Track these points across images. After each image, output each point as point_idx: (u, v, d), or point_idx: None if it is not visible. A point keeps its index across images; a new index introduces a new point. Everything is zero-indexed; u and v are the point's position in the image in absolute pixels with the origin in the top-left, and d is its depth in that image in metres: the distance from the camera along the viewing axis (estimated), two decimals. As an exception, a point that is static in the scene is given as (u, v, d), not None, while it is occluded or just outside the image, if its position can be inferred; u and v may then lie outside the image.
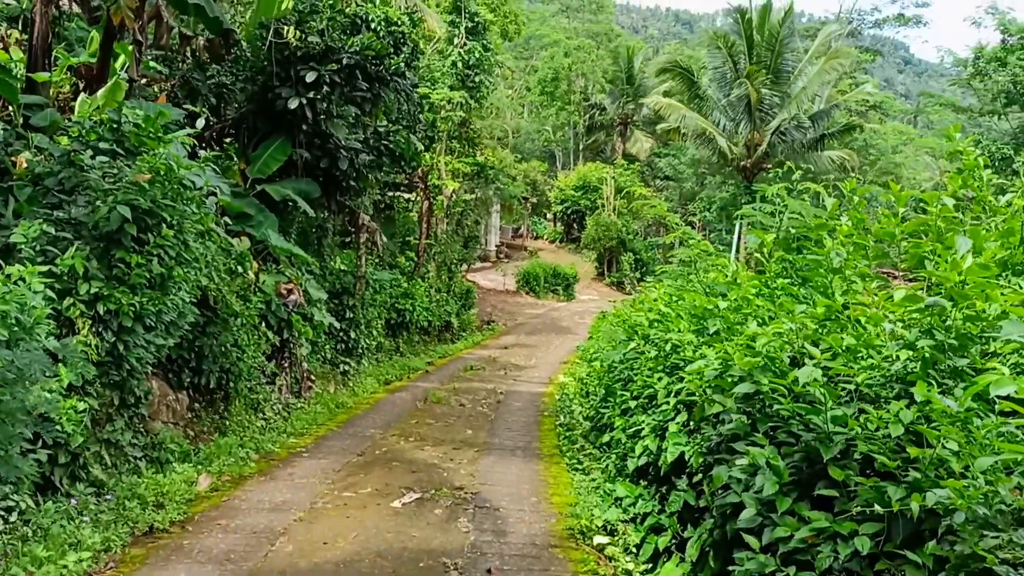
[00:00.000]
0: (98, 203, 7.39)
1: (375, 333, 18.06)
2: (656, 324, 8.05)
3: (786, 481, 4.05)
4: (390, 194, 21.89)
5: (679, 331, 7.18)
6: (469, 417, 12.71)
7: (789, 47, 36.14)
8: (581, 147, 56.17)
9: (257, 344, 11.26)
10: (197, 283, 8.74)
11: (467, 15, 22.07)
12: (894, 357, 4.05)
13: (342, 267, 16.59)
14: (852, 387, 4.15)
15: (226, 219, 9.79)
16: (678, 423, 6.41)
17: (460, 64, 21.67)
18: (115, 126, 8.45)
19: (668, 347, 7.02)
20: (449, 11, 22.62)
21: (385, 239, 18.24)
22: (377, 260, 18.88)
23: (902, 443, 3.75)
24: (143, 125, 8.56)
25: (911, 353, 4.00)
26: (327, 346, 15.53)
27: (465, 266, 28.50)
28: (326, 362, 15.63)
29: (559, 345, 24.22)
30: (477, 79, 21.97)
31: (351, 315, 16.51)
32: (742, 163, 36.56)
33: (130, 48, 12.19)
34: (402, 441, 10.36)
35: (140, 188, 7.35)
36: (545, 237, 52.71)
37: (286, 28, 12.82)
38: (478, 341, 24.03)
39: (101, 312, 6.95)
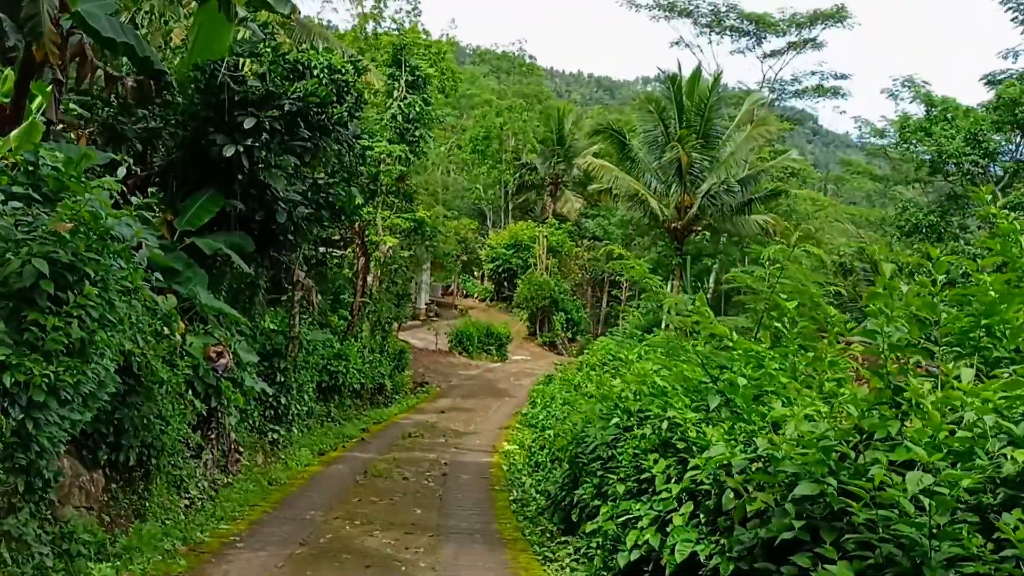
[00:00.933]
0: (8, 255, 6.35)
1: (307, 398, 16.89)
2: (644, 397, 7.35)
3: (876, 610, 3.33)
4: (322, 250, 20.91)
5: (671, 406, 6.49)
6: (416, 493, 11.70)
7: (718, 113, 36.89)
8: (511, 206, 56.09)
9: (182, 414, 10.09)
10: (120, 347, 7.66)
11: (407, 68, 21.52)
12: (1010, 457, 3.41)
13: (271, 326, 15.50)
14: (948, 492, 3.47)
15: (157, 275, 8.71)
16: (683, 514, 5.67)
17: (400, 118, 21.03)
18: (31, 169, 7.43)
19: (665, 425, 6.31)
20: (388, 64, 22.06)
21: (320, 297, 17.23)
22: (310, 320, 17.80)
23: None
24: (63, 169, 7.55)
25: (1027, 453, 3.36)
26: (255, 413, 14.34)
27: (396, 325, 27.50)
28: (253, 430, 14.41)
29: (497, 409, 23.34)
30: (417, 133, 21.35)
31: (282, 379, 15.36)
32: (673, 225, 36.80)
33: (48, 88, 11.12)
34: (348, 526, 9.30)
35: (60, 239, 6.33)
36: (475, 295, 51.99)
37: (242, 61, 11.96)
38: (413, 405, 22.96)
39: (8, 384, 5.85)
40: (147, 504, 9.25)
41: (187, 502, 10.14)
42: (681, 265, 38.06)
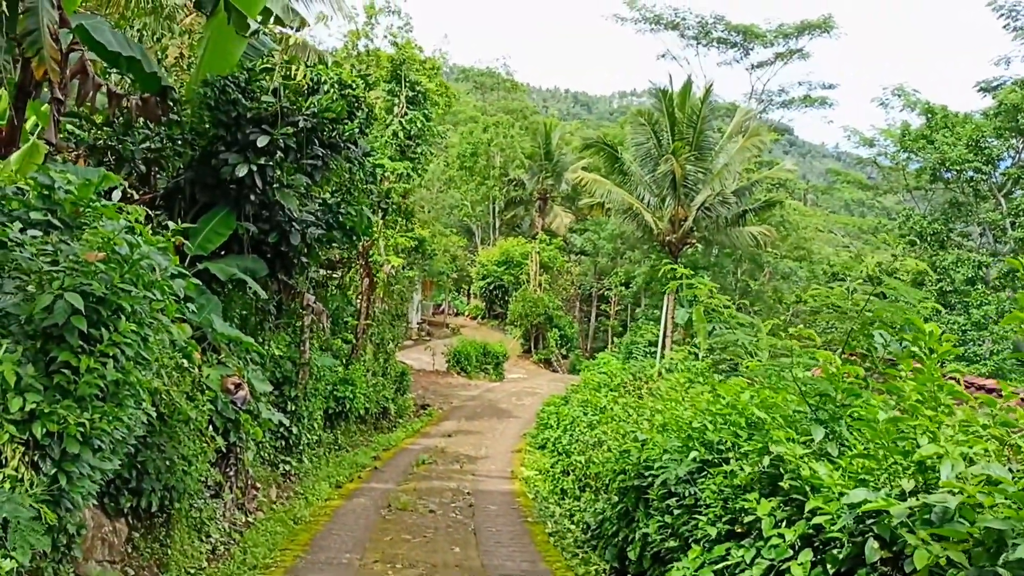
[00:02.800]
0: (29, 288, 5.72)
1: (316, 426, 16.21)
2: (722, 428, 6.79)
3: None
4: (322, 272, 20.27)
5: (772, 440, 5.93)
6: (447, 528, 11.05)
7: (710, 125, 36.69)
8: (499, 223, 55.58)
9: (204, 452, 9.41)
10: (149, 386, 7.00)
11: (407, 83, 20.97)
12: None
13: (278, 352, 14.83)
14: None
15: (190, 306, 8.06)
16: (802, 564, 5.09)
17: (401, 134, 20.45)
18: (46, 193, 6.79)
19: (767, 462, 5.74)
20: (387, 80, 21.50)
21: (329, 321, 16.58)
22: (317, 344, 17.12)
23: None
24: (76, 192, 6.91)
25: None
26: (267, 445, 13.68)
27: (391, 344, 26.83)
28: (265, 463, 13.74)
29: (503, 431, 22.69)
30: (419, 150, 20.77)
31: (293, 407, 14.69)
32: (667, 238, 36.48)
33: (44, 108, 10.50)
34: (391, 571, 8.64)
35: (92, 270, 5.69)
36: (466, 313, 51.32)
37: (292, 68, 11.37)
38: (418, 428, 22.25)
39: (39, 435, 5.19)
40: (169, 552, 8.58)
41: (209, 547, 9.46)
42: (675, 278, 37.62)
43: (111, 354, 5.69)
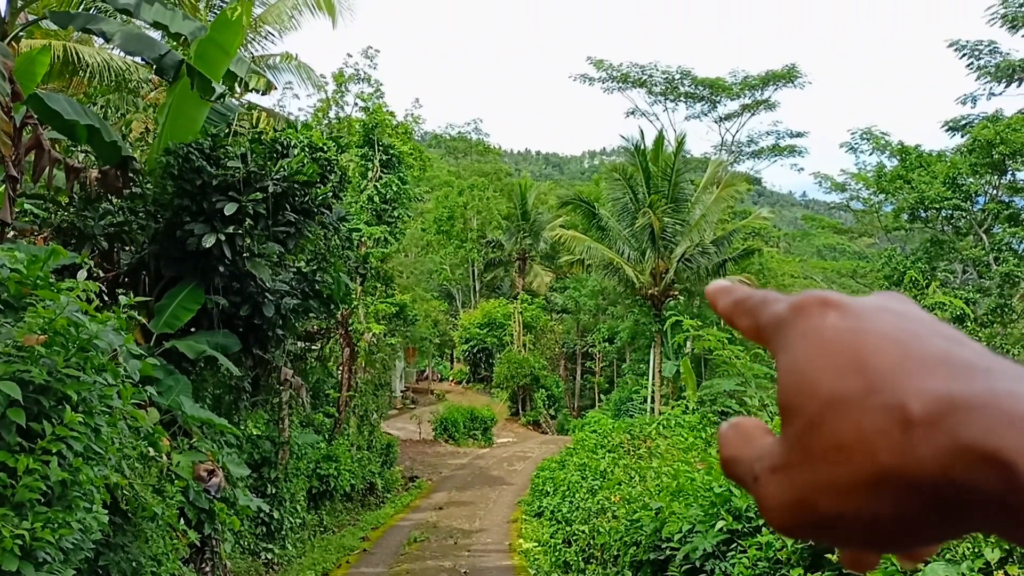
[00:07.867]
0: (-38, 380, 5.00)
1: (299, 508, 15.28)
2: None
3: None
4: (300, 344, 19.53)
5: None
6: (446, 616, 10.19)
7: (684, 177, 36.76)
8: (479, 285, 55.05)
9: (175, 549, 8.57)
10: (105, 481, 6.24)
11: (380, 147, 20.57)
12: None
13: (255, 432, 13.99)
14: None
15: (149, 389, 7.33)
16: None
17: (376, 199, 19.97)
18: (-13, 272, 6.12)
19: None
20: (360, 144, 21.09)
21: (308, 396, 15.78)
22: (297, 421, 16.28)
23: None
24: (26, 270, 6.26)
25: None
26: (247, 532, 12.76)
27: (375, 415, 25.92)
28: (246, 552, 12.82)
29: (497, 499, 21.74)
30: (395, 213, 20.27)
31: (274, 491, 13.82)
32: (650, 291, 36.19)
33: (1, 188, 9.89)
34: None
35: (31, 355, 5.00)
36: (451, 378, 50.38)
37: (253, 122, 10.80)
38: (407, 503, 21.26)
39: (-34, 554, 4.43)
40: (138, 667, 7.67)
41: (185, 657, 8.55)
42: (661, 332, 37.37)
43: (55, 450, 4.96)
